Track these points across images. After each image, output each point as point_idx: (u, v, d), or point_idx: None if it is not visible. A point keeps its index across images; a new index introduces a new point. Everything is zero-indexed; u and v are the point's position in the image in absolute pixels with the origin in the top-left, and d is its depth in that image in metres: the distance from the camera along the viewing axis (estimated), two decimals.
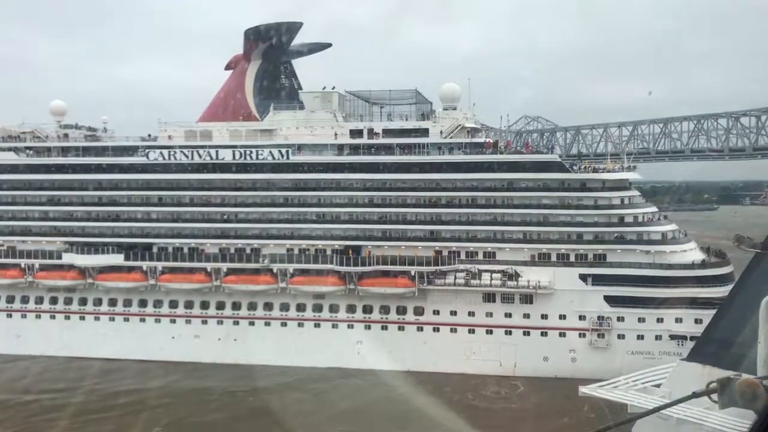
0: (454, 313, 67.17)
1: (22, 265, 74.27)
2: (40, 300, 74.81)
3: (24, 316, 74.78)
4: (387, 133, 70.74)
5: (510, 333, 66.16)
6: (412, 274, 66.93)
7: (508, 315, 66.24)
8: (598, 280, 64.88)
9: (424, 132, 69.69)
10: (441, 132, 69.19)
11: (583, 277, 65.27)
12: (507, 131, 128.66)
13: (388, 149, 69.86)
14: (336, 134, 70.78)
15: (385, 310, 68.60)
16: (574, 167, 70.76)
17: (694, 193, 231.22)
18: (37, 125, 79.27)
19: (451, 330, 67.16)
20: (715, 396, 6.20)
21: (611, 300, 64.20)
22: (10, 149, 76.74)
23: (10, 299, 75.24)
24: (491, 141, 72.12)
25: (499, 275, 66.16)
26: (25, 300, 75.04)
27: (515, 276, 65.91)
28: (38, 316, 74.59)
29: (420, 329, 67.86)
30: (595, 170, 69.54)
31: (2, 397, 61.39)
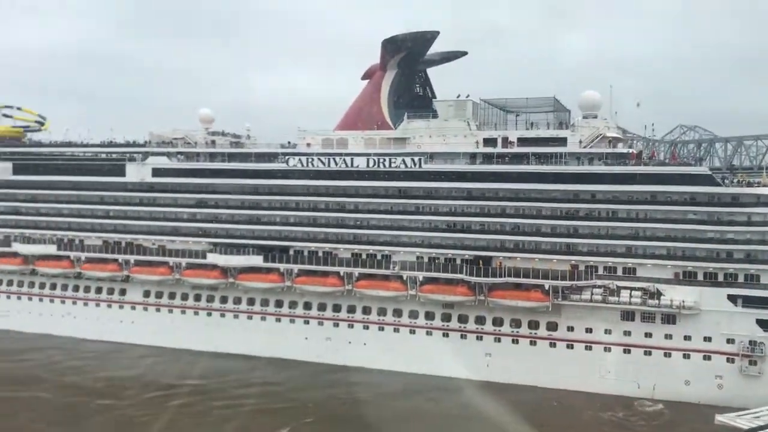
0: (589, 330, 64.56)
1: (171, 263, 79.36)
2: (185, 296, 79.56)
3: (171, 311, 79.83)
4: (522, 142, 69.23)
5: (649, 354, 62.67)
6: (546, 287, 64.92)
7: (648, 335, 62.79)
8: (750, 301, 60.19)
9: (562, 141, 67.54)
10: (580, 141, 66.79)
11: (732, 298, 60.77)
12: (660, 141, 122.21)
13: (522, 159, 68.40)
14: (477, 142, 70.08)
15: (516, 323, 67.14)
16: (726, 180, 66.06)
17: None
18: (187, 132, 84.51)
19: (586, 347, 64.60)
20: None
21: (765, 324, 59.36)
22: (163, 154, 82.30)
23: (159, 295, 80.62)
24: (635, 152, 68.72)
25: (639, 293, 62.92)
26: (172, 296, 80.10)
27: (657, 294, 62.39)
28: (183, 312, 79.38)
29: (553, 345, 65.75)
30: (749, 184, 64.58)
31: (168, 382, 66.43)
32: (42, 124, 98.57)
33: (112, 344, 79.34)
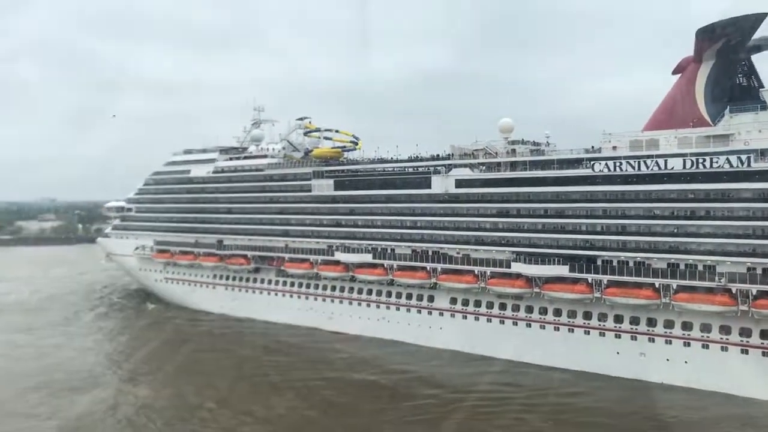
0: None
1: (476, 272, 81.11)
2: (490, 305, 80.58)
3: (477, 319, 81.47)
4: None
5: None
6: None
7: None
8: None
9: None
10: None
11: None
12: None
13: None
14: None
15: None
16: None
17: None
18: (488, 143, 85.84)
19: None
20: None
21: None
22: (465, 165, 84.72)
23: (465, 302, 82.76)
24: None
25: None
26: (477, 304, 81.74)
27: None
28: (489, 320, 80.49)
29: None
30: None
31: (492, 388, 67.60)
32: (356, 143, 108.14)
33: (419, 347, 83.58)
